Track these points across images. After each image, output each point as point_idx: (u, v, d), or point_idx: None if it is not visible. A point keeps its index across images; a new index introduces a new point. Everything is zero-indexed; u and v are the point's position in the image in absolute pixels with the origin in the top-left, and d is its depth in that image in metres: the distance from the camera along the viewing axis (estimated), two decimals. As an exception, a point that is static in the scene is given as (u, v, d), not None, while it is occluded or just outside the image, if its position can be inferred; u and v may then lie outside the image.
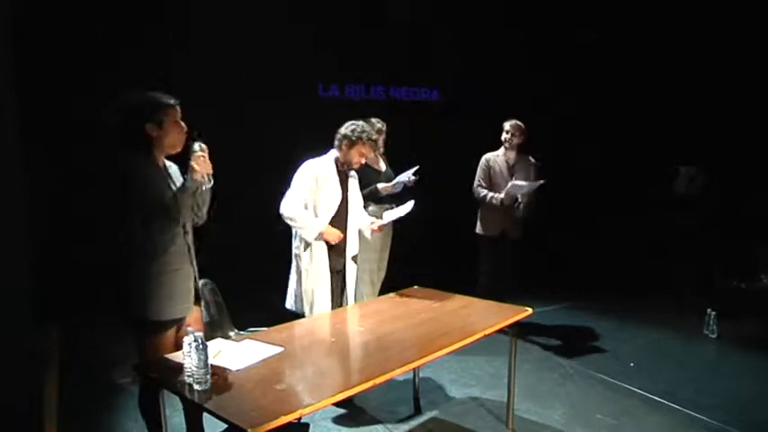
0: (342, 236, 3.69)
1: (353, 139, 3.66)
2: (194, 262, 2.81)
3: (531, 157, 5.07)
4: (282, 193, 3.64)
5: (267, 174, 4.23)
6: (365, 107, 5.92)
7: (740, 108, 6.80)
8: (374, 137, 3.80)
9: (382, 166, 4.73)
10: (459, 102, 7.23)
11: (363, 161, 3.80)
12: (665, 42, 7.25)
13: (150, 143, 2.62)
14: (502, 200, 4.84)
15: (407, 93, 7.33)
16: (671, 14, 7.12)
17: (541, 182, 4.79)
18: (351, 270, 3.86)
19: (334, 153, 3.76)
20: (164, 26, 5.56)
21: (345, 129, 3.71)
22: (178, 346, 2.49)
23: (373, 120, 4.50)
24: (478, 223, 5.10)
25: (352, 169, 3.81)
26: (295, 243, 3.76)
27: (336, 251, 3.74)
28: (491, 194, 4.92)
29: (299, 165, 3.71)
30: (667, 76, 7.35)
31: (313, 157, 3.76)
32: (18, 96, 3.28)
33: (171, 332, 2.67)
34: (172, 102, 2.63)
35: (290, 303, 3.78)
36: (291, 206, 3.58)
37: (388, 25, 6.85)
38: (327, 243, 3.65)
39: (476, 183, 5.05)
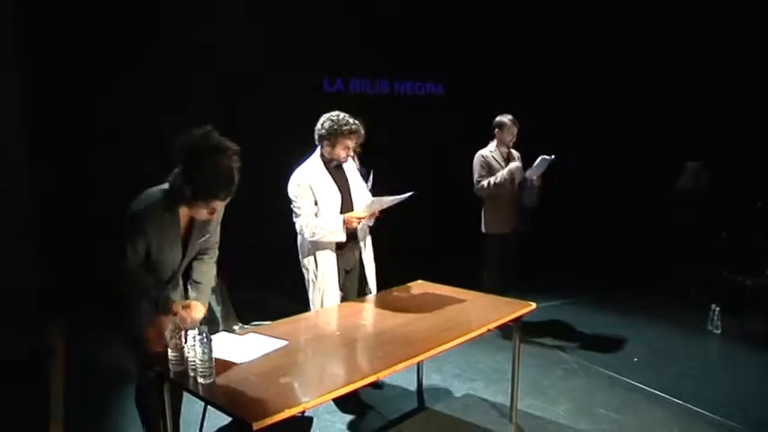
0: (359, 217, 3.53)
1: (331, 136, 3.48)
2: (179, 288, 2.81)
3: (515, 152, 5.04)
4: (286, 182, 3.61)
5: (273, 169, 4.22)
6: (370, 101, 5.93)
7: (746, 103, 6.77)
8: (354, 127, 3.47)
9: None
10: (463, 96, 7.21)
11: (351, 154, 3.61)
12: (672, 37, 7.22)
13: (182, 194, 2.43)
14: (510, 175, 4.76)
15: (412, 87, 7.32)
16: (677, 9, 7.09)
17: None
18: (368, 261, 3.81)
19: (318, 151, 3.61)
20: (165, 22, 5.56)
21: (321, 127, 3.51)
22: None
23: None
24: (486, 222, 5.02)
25: (341, 163, 3.63)
26: (302, 257, 3.67)
27: (348, 248, 3.67)
28: (492, 179, 4.83)
29: (307, 155, 3.66)
30: (673, 70, 7.32)
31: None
32: (23, 100, 3.30)
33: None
34: (221, 192, 2.42)
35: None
36: (309, 225, 3.47)
37: (393, 19, 6.83)
38: (338, 243, 3.57)
39: (476, 179, 4.94)
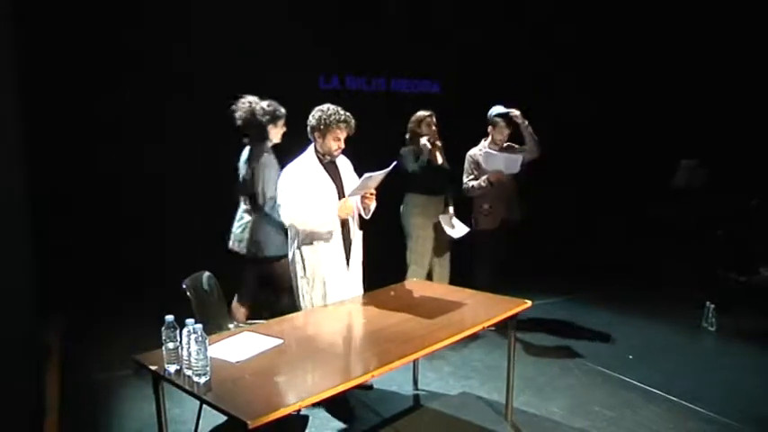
0: (353, 207, 3.57)
1: (322, 127, 3.48)
2: None
3: (515, 145, 5.05)
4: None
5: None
6: (366, 99, 5.91)
7: (741, 101, 6.78)
8: (343, 117, 3.51)
9: None
10: (459, 95, 7.20)
11: (342, 146, 3.57)
12: (669, 35, 7.23)
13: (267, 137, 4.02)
14: (488, 183, 4.79)
15: (408, 85, 7.30)
16: (671, 7, 7.10)
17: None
18: (355, 261, 3.76)
19: (312, 147, 3.60)
20: (163, 21, 5.54)
21: (312, 118, 3.53)
22: None
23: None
24: (475, 220, 5.00)
25: (334, 157, 3.62)
26: (291, 252, 3.65)
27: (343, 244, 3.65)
28: (474, 183, 4.88)
29: (301, 152, 3.66)
30: (667, 68, 7.34)
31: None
32: (21, 96, 3.29)
33: None
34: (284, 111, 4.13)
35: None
36: (296, 212, 3.45)
37: (389, 17, 6.82)
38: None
39: (464, 180, 4.98)
